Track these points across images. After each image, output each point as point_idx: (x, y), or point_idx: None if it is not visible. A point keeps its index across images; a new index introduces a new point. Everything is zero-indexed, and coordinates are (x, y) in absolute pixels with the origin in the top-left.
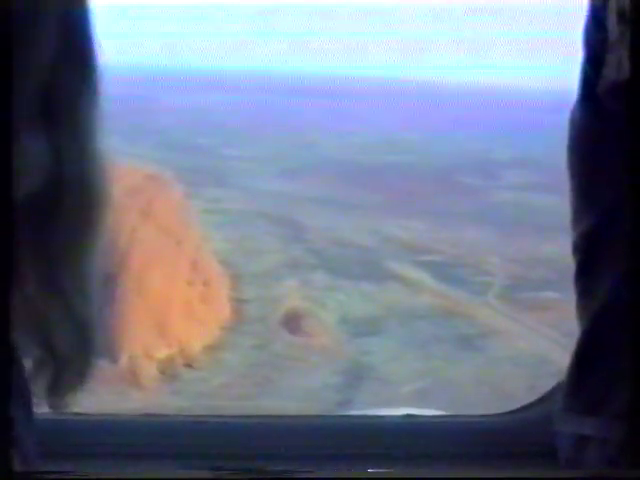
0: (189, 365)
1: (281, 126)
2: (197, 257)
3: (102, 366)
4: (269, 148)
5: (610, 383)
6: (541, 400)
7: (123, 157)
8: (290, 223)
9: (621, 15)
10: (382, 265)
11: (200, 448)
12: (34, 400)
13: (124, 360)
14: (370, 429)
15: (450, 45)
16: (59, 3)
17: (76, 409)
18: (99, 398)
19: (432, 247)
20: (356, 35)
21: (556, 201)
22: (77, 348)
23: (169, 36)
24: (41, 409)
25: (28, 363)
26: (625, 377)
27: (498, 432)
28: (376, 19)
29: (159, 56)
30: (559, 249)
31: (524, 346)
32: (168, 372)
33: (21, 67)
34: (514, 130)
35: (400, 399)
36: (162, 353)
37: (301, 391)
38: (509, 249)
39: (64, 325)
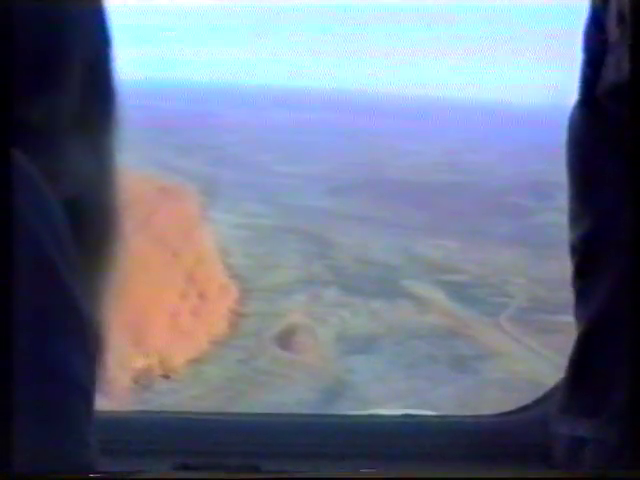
0: (166, 376)
1: (344, 144)
2: (195, 269)
3: None
4: (324, 166)
5: (607, 385)
6: (538, 401)
7: (171, 171)
8: (319, 240)
9: (621, 16)
10: (398, 283)
11: (195, 444)
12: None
13: None
14: (367, 428)
15: (523, 66)
16: (84, 38)
17: None
18: None
19: (458, 267)
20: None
21: None
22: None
23: (239, 55)
24: None
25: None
26: (623, 379)
27: (495, 433)
28: (447, 43)
29: (227, 74)
30: None
31: (521, 369)
32: (142, 382)
33: (48, 102)
34: None
35: None
36: (139, 363)
37: (272, 406)
38: (538, 271)
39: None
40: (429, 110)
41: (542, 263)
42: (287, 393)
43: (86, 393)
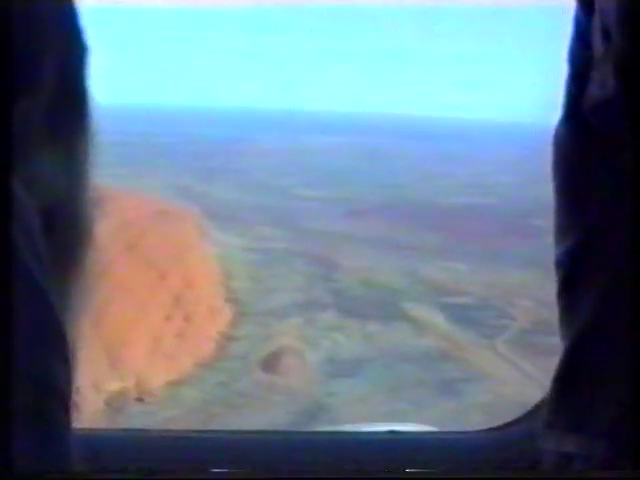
0: (139, 399)
1: (372, 168)
2: (183, 292)
3: None
4: (346, 189)
5: (593, 400)
6: (525, 417)
7: (191, 196)
8: (326, 263)
9: (605, 32)
10: (399, 306)
11: (194, 462)
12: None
13: None
14: (353, 445)
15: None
16: (59, 44)
17: None
18: None
19: (464, 289)
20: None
21: None
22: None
23: (283, 79)
24: None
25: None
26: (609, 394)
27: (482, 448)
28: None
29: (262, 99)
30: None
31: (508, 392)
32: (115, 405)
33: (21, 110)
34: None
35: None
36: (114, 385)
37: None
38: (545, 292)
39: None
40: (466, 133)
41: (550, 285)
42: (261, 416)
43: (64, 396)
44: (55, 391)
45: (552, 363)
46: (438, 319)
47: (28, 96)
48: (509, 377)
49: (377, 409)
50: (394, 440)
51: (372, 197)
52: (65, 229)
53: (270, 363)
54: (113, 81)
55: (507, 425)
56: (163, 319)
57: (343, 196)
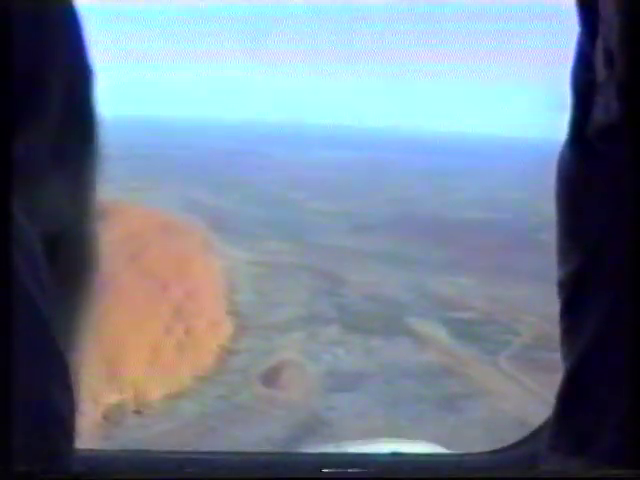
0: (138, 412)
1: (384, 182)
2: (183, 305)
3: None
4: (356, 203)
5: (596, 421)
6: (528, 438)
7: (201, 208)
8: (332, 277)
9: (608, 56)
10: (402, 321)
11: None
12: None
13: None
14: (356, 466)
15: None
16: (65, 68)
17: None
18: None
19: (469, 304)
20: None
21: None
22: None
23: (301, 95)
24: None
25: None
26: (611, 415)
27: (485, 470)
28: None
29: (273, 112)
30: None
31: (508, 408)
32: (112, 418)
33: (26, 138)
34: None
35: None
36: (112, 398)
37: (239, 443)
38: (551, 308)
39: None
40: (477, 147)
41: (556, 300)
42: (259, 429)
43: (66, 424)
44: (57, 420)
45: (554, 379)
46: (441, 334)
47: (32, 124)
48: (510, 393)
49: (376, 424)
50: (397, 462)
51: (381, 212)
52: (69, 255)
53: (270, 377)
54: (124, 93)
55: (510, 447)
56: (163, 332)
57: (351, 210)
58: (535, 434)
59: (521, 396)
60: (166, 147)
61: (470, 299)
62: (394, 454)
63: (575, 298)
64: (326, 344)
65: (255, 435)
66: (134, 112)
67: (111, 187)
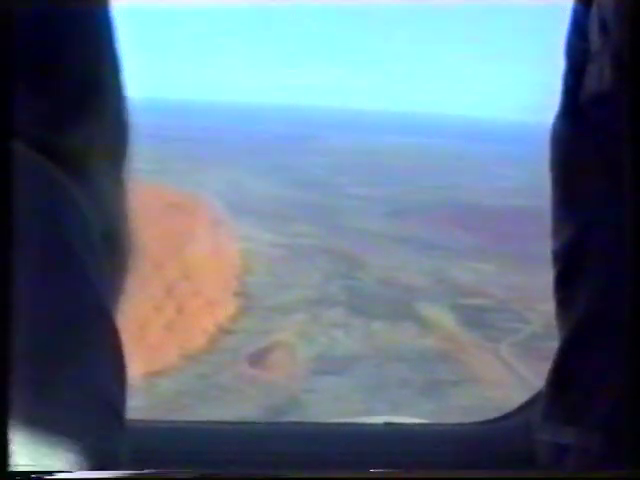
0: None
1: (429, 168)
2: (177, 284)
3: None
4: (395, 189)
5: (589, 392)
6: (521, 408)
7: (238, 190)
8: (350, 260)
9: (603, 24)
10: (411, 305)
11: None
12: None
13: None
14: (348, 436)
15: None
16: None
17: None
18: None
19: (484, 290)
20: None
21: None
22: None
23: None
24: None
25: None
26: (605, 386)
27: (477, 440)
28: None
29: (335, 99)
30: None
31: (495, 396)
32: None
33: (91, 131)
34: None
35: None
36: None
37: None
38: None
39: None
40: (531, 134)
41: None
42: (230, 409)
43: (117, 413)
44: (110, 409)
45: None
46: (447, 320)
47: (94, 118)
48: (501, 380)
49: (352, 407)
50: (389, 432)
51: (420, 197)
52: (116, 251)
53: (258, 357)
54: (180, 77)
55: (503, 417)
56: (152, 310)
57: (390, 195)
58: (528, 404)
59: (511, 385)
60: (223, 131)
61: (486, 286)
62: (387, 424)
63: (569, 270)
64: (326, 326)
65: (226, 415)
66: (192, 97)
67: (157, 167)
